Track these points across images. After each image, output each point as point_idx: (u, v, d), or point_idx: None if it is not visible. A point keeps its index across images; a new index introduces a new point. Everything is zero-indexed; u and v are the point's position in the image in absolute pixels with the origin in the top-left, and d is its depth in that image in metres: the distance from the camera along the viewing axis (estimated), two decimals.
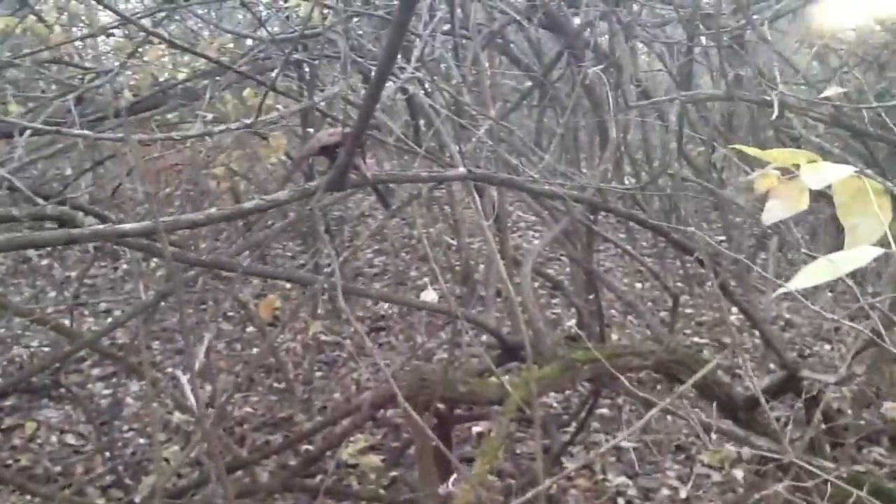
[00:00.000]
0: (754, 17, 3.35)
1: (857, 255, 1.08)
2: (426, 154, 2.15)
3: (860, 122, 2.13)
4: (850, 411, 4.22)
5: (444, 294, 2.55)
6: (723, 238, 5.96)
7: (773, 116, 1.89)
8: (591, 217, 3.26)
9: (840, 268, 1.10)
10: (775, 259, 5.04)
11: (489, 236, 2.22)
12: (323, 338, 5.00)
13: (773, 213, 1.43)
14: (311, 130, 3.53)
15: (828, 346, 5.00)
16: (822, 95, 1.95)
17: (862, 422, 3.97)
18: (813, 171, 1.21)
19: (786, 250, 5.59)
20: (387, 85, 1.62)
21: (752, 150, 1.43)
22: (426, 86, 3.07)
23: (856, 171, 1.22)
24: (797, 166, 1.45)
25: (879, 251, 1.05)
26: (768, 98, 1.99)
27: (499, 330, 2.85)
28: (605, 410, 4.09)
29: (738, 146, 1.54)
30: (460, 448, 3.90)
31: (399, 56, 2.78)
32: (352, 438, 3.55)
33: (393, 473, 3.66)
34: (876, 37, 4.67)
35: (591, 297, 3.59)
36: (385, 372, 1.96)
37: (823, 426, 3.15)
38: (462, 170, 2.03)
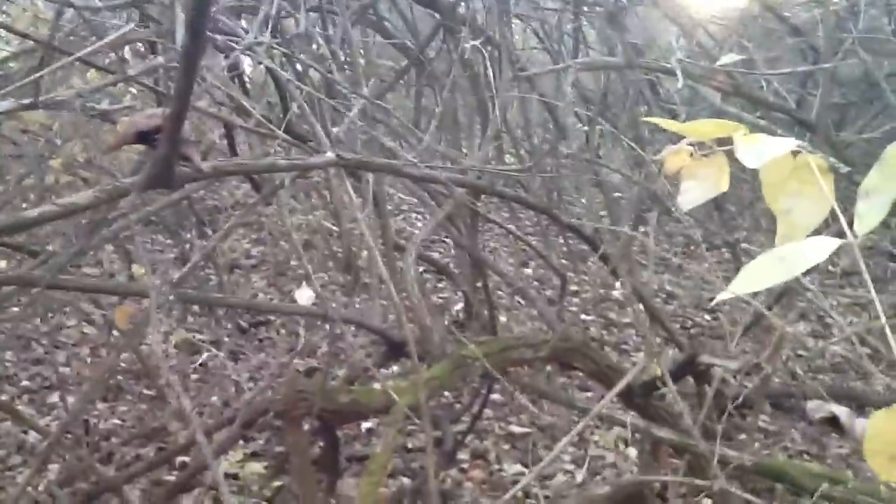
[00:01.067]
0: None
1: (813, 249, 0.86)
2: (292, 140, 1.85)
3: (751, 89, 1.99)
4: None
5: (317, 293, 2.26)
6: (604, 213, 5.92)
7: (679, 86, 1.70)
8: (475, 199, 3.03)
9: (793, 266, 0.88)
10: (654, 231, 5.00)
11: (363, 226, 1.95)
12: (199, 337, 4.60)
13: (690, 196, 1.21)
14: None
15: (708, 317, 5.01)
16: (719, 63, 1.79)
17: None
18: (748, 145, 0.99)
19: (663, 222, 5.59)
20: (224, 56, 1.33)
21: (668, 123, 1.20)
22: (292, 62, 2.76)
23: (798, 146, 1.00)
24: (719, 141, 1.23)
25: (836, 243, 0.84)
26: (668, 66, 1.81)
27: (381, 327, 2.59)
28: (496, 396, 3.91)
29: (652, 119, 1.34)
30: (350, 447, 3.64)
31: (260, 27, 2.45)
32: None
33: (278, 483, 3.35)
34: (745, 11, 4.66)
35: (479, 283, 3.38)
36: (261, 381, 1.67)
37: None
38: (330, 155, 1.74)
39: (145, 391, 4.11)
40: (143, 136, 1.20)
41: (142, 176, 1.14)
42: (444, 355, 2.30)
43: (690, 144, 1.27)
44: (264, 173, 1.97)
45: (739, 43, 3.11)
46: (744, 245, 5.10)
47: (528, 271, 5.32)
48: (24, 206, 3.44)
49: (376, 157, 2.26)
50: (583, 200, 6.78)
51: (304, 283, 2.45)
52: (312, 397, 2.04)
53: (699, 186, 1.19)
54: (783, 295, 3.24)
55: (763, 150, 0.96)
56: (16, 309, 4.61)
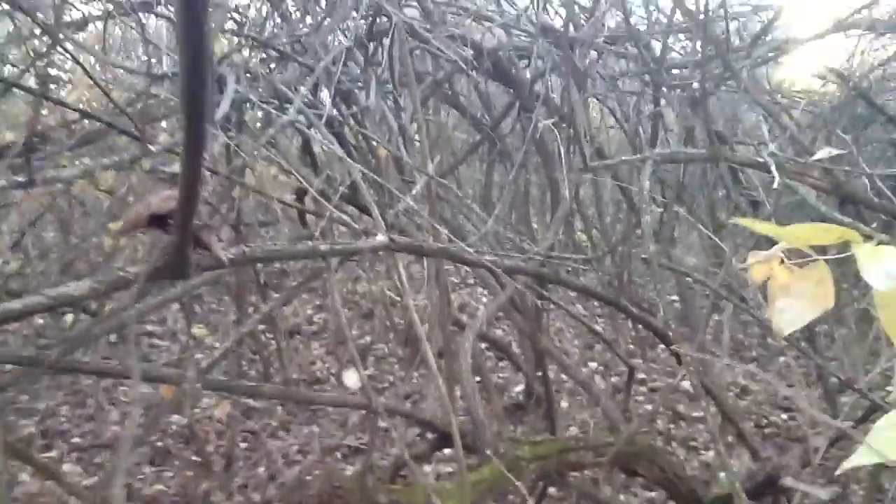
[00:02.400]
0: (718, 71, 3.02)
1: None
2: (342, 219, 1.72)
3: (853, 187, 1.79)
4: None
5: (363, 381, 2.10)
6: (675, 299, 5.64)
7: (776, 185, 1.52)
8: (540, 285, 2.85)
9: None
10: (730, 322, 4.69)
11: (414, 314, 1.79)
12: (252, 402, 4.48)
13: (789, 316, 1.01)
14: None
15: (784, 416, 4.64)
16: (815, 158, 1.59)
17: None
18: (875, 260, 0.79)
19: (738, 312, 5.28)
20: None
21: (759, 225, 1.01)
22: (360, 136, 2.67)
23: None
24: (819, 248, 1.03)
25: None
26: (759, 160, 1.62)
27: (428, 418, 2.40)
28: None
29: (741, 220, 1.15)
30: None
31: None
32: None
33: None
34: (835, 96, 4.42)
35: (540, 373, 3.17)
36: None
37: None
38: (381, 238, 1.60)
39: (193, 457, 3.99)
40: (159, 220, 1.07)
41: (148, 266, 1.01)
42: (495, 454, 2.09)
43: (783, 251, 1.07)
44: (302, 259, 1.82)
45: (830, 131, 2.89)
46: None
47: (594, 355, 5.05)
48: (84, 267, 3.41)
49: (436, 237, 2.11)
50: (656, 285, 6.53)
51: (350, 366, 2.29)
52: (350, 495, 1.86)
53: (797, 304, 0.99)
54: (873, 411, 2.92)
55: (891, 265, 0.76)
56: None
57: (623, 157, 2.41)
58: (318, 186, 2.02)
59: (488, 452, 2.01)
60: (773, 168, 1.54)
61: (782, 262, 1.06)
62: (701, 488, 2.39)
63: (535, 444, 2.10)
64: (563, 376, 4.83)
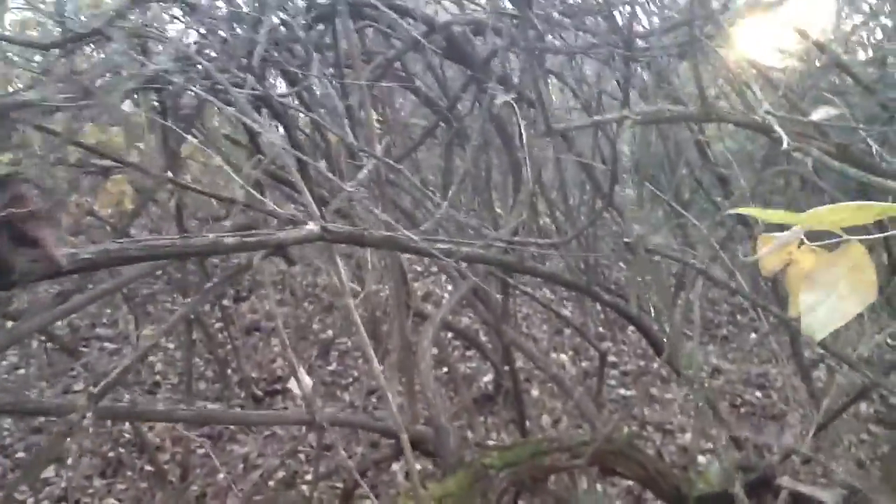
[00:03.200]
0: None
1: None
2: (267, 211, 1.46)
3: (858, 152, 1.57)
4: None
5: (307, 395, 1.85)
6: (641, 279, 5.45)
7: (785, 146, 1.29)
8: (505, 272, 2.61)
9: None
10: (699, 299, 4.51)
11: (355, 316, 1.54)
12: (209, 405, 4.21)
13: (822, 315, 0.77)
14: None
15: (759, 394, 4.47)
16: (814, 117, 1.37)
17: None
18: None
19: (707, 288, 5.10)
20: None
21: (773, 215, 0.78)
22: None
23: None
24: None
25: None
26: (758, 119, 1.39)
27: (382, 425, 2.16)
28: None
29: (744, 210, 0.93)
30: None
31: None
32: None
33: None
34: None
35: (507, 367, 2.94)
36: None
37: None
38: (312, 228, 1.35)
39: (147, 467, 3.71)
40: None
41: None
42: (460, 463, 1.86)
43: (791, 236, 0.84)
44: (196, 256, 1.55)
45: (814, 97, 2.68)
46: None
47: (564, 340, 4.84)
48: None
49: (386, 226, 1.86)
50: (620, 265, 6.34)
51: (301, 370, 2.03)
52: None
53: (830, 298, 0.75)
54: (862, 394, 2.75)
55: None
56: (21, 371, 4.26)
57: (596, 117, 2.15)
58: (253, 173, 1.75)
59: (452, 463, 1.78)
60: (777, 128, 1.31)
61: (801, 244, 0.83)
62: (684, 484, 2.18)
63: (504, 449, 1.87)
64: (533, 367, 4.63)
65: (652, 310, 3.29)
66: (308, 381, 2.17)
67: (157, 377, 4.49)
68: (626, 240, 2.13)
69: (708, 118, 1.43)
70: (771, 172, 3.48)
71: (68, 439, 3.97)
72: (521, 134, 2.70)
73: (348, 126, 2.66)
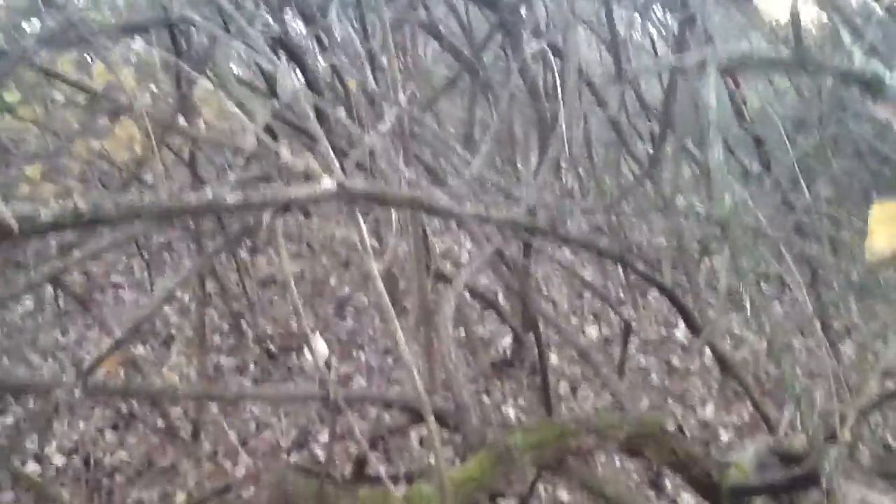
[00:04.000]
0: None
1: None
2: (281, 158, 1.27)
3: None
4: None
5: (324, 370, 1.68)
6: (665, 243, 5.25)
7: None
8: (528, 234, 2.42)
9: None
10: (726, 266, 4.30)
11: (375, 276, 1.36)
12: (222, 361, 4.08)
13: None
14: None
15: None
16: None
17: None
18: None
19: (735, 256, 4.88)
20: None
21: None
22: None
23: None
24: None
25: None
26: (867, 73, 1.18)
27: (400, 398, 1.99)
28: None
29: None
30: None
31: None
32: None
33: None
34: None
35: (530, 332, 2.76)
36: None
37: None
38: (328, 184, 1.16)
39: (159, 423, 3.59)
40: None
41: None
42: (482, 443, 1.69)
43: None
44: (185, 215, 1.35)
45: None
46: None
47: (583, 304, 4.66)
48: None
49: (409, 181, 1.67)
50: (644, 227, 6.11)
51: (317, 337, 1.86)
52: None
53: None
54: None
55: None
56: None
57: (672, 60, 1.87)
58: (265, 119, 1.56)
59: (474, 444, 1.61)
60: (890, 81, 1.10)
61: None
62: (716, 471, 2.01)
63: (529, 430, 1.70)
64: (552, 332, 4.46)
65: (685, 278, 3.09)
66: (323, 349, 2.00)
67: (172, 330, 4.36)
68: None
69: (803, 65, 1.22)
70: (826, 135, 3.24)
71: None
72: (555, 86, 2.49)
73: (370, 72, 2.45)
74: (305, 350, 1.91)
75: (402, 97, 1.88)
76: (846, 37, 1.30)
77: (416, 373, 1.54)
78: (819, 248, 4.35)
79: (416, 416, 2.15)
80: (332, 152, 1.34)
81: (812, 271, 3.98)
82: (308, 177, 1.17)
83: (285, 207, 1.10)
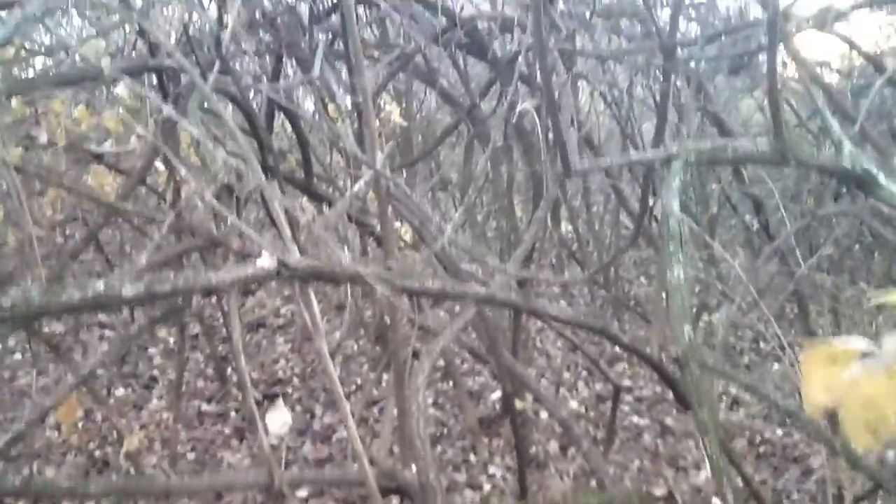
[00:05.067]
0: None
1: None
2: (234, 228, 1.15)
3: None
4: None
5: (265, 453, 1.54)
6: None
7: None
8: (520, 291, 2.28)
9: None
10: (724, 324, 4.15)
11: (326, 358, 1.23)
12: (206, 408, 3.93)
13: None
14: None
15: (780, 432, 4.10)
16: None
17: None
18: None
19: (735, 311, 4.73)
20: None
21: None
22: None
23: None
24: None
25: None
26: (849, 167, 1.06)
27: (354, 479, 1.85)
28: None
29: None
30: None
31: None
32: None
33: None
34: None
35: (509, 397, 2.62)
36: None
37: None
38: (265, 262, 1.04)
39: (131, 470, 3.43)
40: None
41: None
42: None
43: None
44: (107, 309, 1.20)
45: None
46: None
47: (577, 358, 4.50)
48: None
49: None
50: (642, 280, 5.98)
51: (278, 400, 1.73)
52: None
53: None
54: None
55: None
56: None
57: (636, 155, 1.76)
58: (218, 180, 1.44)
59: None
60: (881, 179, 0.98)
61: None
62: None
63: None
64: (545, 380, 4.31)
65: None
66: (282, 419, 1.87)
67: (155, 371, 4.23)
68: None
69: (784, 160, 1.10)
70: (824, 212, 3.12)
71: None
72: (543, 144, 2.38)
73: (355, 125, 2.35)
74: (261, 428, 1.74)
75: (379, 156, 1.77)
76: (833, 122, 1.18)
77: (365, 462, 1.41)
78: (819, 314, 4.22)
79: (385, 491, 2.00)
80: (286, 224, 1.22)
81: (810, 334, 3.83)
82: (244, 254, 1.05)
83: (210, 292, 0.98)
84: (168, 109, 1.21)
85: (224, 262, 2.55)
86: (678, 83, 2.66)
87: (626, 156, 1.87)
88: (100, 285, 0.87)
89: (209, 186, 1.43)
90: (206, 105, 2.04)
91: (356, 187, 1.72)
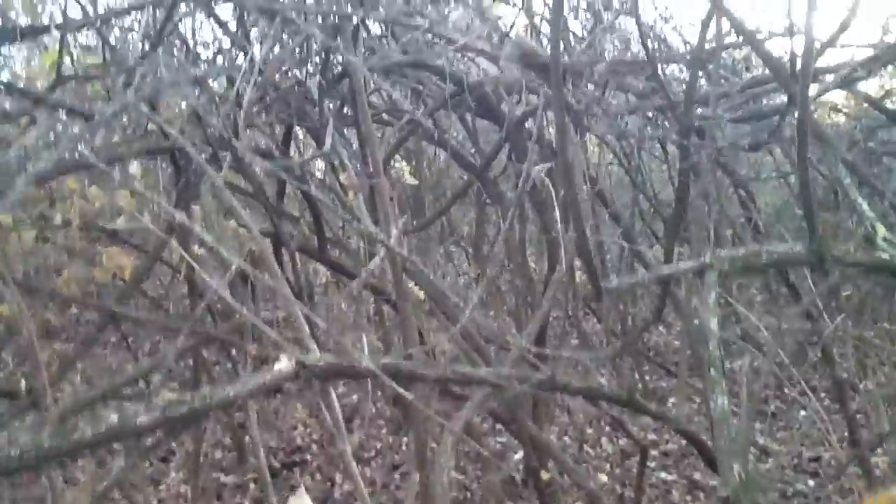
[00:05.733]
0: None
1: None
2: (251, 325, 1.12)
3: None
4: None
5: None
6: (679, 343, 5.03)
7: None
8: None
9: None
10: (749, 376, 4.05)
11: (349, 461, 1.18)
12: (222, 478, 3.86)
13: None
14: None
15: (812, 482, 3.98)
16: None
17: None
18: None
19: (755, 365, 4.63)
20: None
21: None
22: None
23: None
24: None
25: None
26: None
27: None
28: None
29: None
30: None
31: None
32: None
33: None
34: None
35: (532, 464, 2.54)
36: None
37: None
38: (282, 366, 1.00)
39: None
40: None
41: None
42: None
43: None
44: (114, 441, 1.16)
45: None
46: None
47: (601, 413, 4.39)
48: None
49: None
50: (661, 329, 5.89)
51: (300, 489, 1.67)
52: None
53: None
54: None
55: None
56: None
57: (667, 269, 1.64)
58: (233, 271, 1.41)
59: None
60: None
61: None
62: None
63: None
64: (567, 439, 4.22)
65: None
66: None
67: (172, 443, 4.16)
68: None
69: (821, 263, 1.05)
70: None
71: None
72: (555, 209, 2.35)
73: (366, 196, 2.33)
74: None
75: (394, 233, 1.75)
76: (862, 204, 1.14)
77: None
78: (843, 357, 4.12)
79: None
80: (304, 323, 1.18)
81: (838, 385, 3.73)
82: (262, 358, 1.01)
83: (229, 405, 0.95)
84: (180, 216, 1.18)
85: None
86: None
87: (657, 269, 1.79)
88: (114, 417, 0.84)
89: (224, 275, 1.40)
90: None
91: (371, 265, 1.68)
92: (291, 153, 2.90)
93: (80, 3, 2.12)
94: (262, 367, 1.02)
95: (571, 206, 1.78)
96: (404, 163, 4.54)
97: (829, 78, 2.11)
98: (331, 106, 2.89)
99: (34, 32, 1.92)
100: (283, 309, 1.22)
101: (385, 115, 3.50)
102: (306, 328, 1.20)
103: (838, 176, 1.31)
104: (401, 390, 1.14)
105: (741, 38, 2.35)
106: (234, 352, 3.20)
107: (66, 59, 2.23)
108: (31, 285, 2.51)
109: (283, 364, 1.03)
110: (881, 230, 1.06)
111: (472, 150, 3.84)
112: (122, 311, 2.25)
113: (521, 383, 1.45)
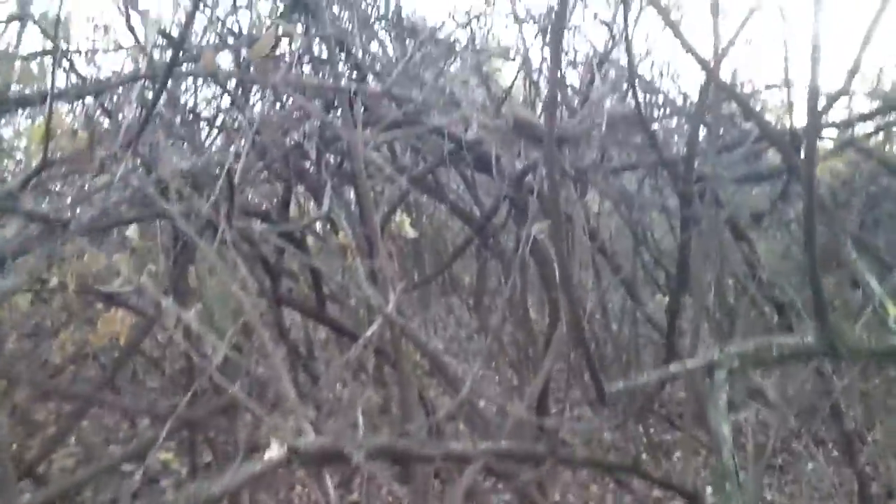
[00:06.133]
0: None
1: None
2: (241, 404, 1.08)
3: None
4: None
5: None
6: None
7: None
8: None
9: None
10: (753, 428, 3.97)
11: None
12: None
13: None
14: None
15: None
16: None
17: None
18: None
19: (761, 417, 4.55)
20: None
21: None
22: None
23: None
24: None
25: None
26: None
27: None
28: None
29: None
30: None
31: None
32: None
33: None
34: None
35: None
36: None
37: None
38: (275, 452, 0.96)
39: None
40: None
41: None
42: None
43: None
44: None
45: None
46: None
47: None
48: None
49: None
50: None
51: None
52: None
53: None
54: None
55: None
56: None
57: (677, 366, 1.57)
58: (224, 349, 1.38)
59: None
60: None
61: None
62: None
63: None
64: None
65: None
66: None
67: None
68: None
69: (834, 353, 1.02)
70: None
71: None
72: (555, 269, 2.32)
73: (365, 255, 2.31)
74: None
75: (392, 300, 1.72)
76: (874, 283, 1.11)
77: None
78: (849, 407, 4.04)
79: None
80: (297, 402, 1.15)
81: (847, 437, 3.65)
82: (253, 446, 0.97)
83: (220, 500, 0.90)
84: (167, 302, 1.15)
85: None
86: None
87: (663, 370, 1.75)
88: None
89: (218, 347, 1.37)
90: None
91: (369, 331, 1.65)
92: (291, 211, 2.88)
93: (77, 74, 2.13)
94: (253, 451, 0.98)
95: (564, 287, 1.74)
96: (404, 214, 4.54)
97: (830, 130, 2.10)
98: (330, 160, 2.89)
99: (25, 102, 1.91)
100: (276, 389, 1.17)
101: (385, 171, 3.50)
102: (302, 412, 1.16)
103: (846, 256, 1.28)
104: (391, 482, 1.09)
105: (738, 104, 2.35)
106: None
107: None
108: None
109: (275, 451, 0.99)
110: (892, 310, 1.03)
111: (473, 203, 3.83)
112: (100, 395, 2.20)
113: (521, 459, 1.40)
